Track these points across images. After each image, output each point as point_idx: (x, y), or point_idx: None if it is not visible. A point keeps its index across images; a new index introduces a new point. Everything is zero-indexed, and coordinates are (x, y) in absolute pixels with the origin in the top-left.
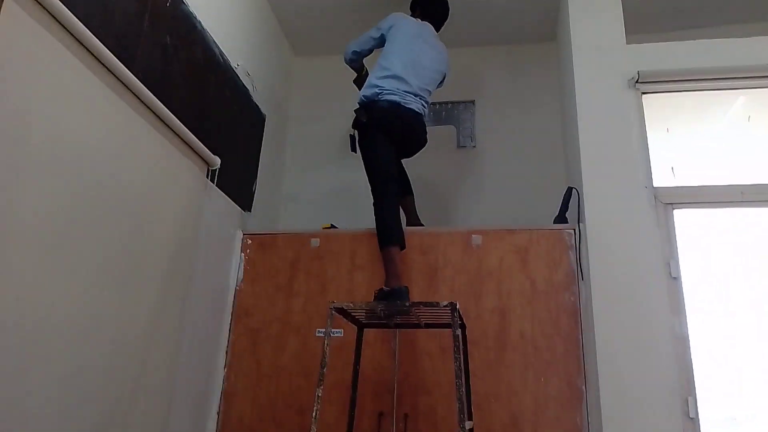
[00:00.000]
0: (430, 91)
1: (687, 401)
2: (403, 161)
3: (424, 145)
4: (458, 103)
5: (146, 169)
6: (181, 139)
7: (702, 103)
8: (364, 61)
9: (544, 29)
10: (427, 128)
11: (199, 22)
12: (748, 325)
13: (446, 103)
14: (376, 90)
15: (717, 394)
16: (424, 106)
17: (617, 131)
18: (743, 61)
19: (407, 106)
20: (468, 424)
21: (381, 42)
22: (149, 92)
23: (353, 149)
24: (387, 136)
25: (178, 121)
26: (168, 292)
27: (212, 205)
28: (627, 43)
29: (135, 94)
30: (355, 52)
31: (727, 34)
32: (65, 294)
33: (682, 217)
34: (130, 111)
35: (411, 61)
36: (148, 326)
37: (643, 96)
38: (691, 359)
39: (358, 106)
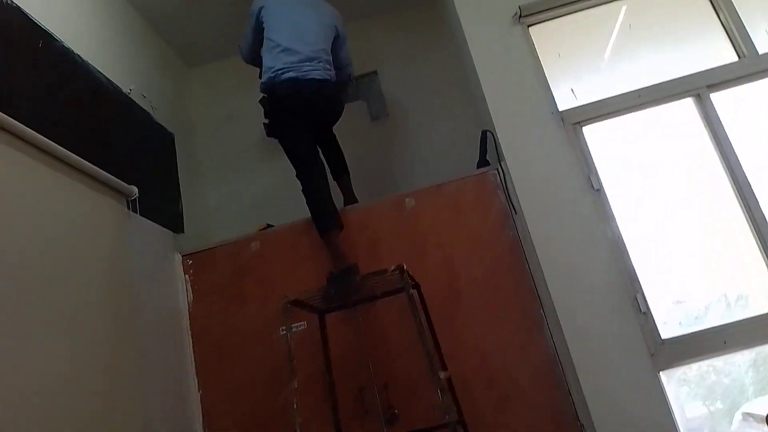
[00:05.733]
0: (326, 50)
1: (636, 298)
2: None
3: (341, 107)
4: (362, 76)
5: (59, 215)
6: (90, 176)
7: (589, 22)
8: None
9: None
10: None
11: (78, 56)
12: (672, 216)
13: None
14: (271, 74)
15: (661, 284)
16: (328, 68)
17: (514, 67)
18: None
19: (307, 77)
20: (443, 374)
21: (259, 28)
22: (41, 137)
23: (269, 135)
24: (296, 116)
25: (81, 159)
26: (120, 333)
27: (141, 235)
28: None
29: (26, 141)
30: (246, 49)
31: None
32: (18, 363)
33: (592, 132)
34: (26, 159)
35: (292, 29)
36: (107, 372)
37: (530, 28)
38: (630, 259)
39: (262, 97)
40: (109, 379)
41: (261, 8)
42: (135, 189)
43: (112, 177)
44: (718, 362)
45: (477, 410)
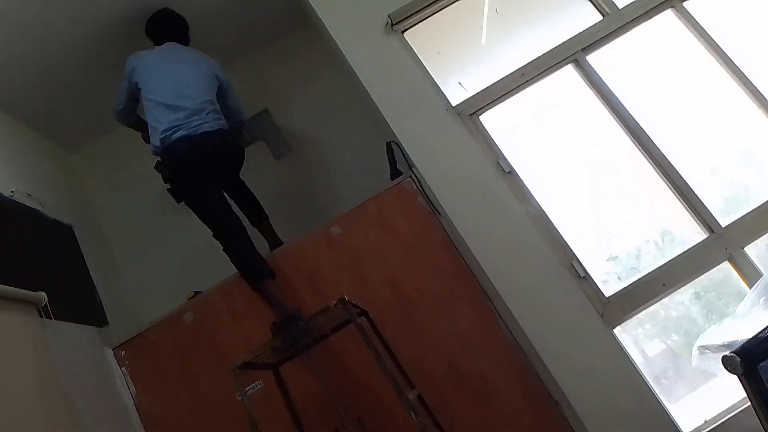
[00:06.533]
0: (211, 100)
1: (572, 265)
2: None
3: (242, 153)
4: (253, 117)
5: None
6: None
7: (458, 15)
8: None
9: (295, 17)
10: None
11: None
12: (585, 178)
13: None
14: (160, 136)
15: (591, 246)
16: (218, 117)
17: (399, 75)
18: None
19: (199, 132)
20: (411, 394)
21: (133, 88)
22: None
23: (178, 201)
24: (198, 174)
25: None
26: None
27: (62, 340)
28: None
29: None
30: (120, 111)
31: None
32: None
33: (491, 118)
34: None
35: (172, 86)
36: None
37: (405, 33)
38: (556, 230)
39: (157, 162)
40: None
41: (134, 69)
42: (43, 294)
43: (13, 288)
44: (663, 299)
45: (455, 415)
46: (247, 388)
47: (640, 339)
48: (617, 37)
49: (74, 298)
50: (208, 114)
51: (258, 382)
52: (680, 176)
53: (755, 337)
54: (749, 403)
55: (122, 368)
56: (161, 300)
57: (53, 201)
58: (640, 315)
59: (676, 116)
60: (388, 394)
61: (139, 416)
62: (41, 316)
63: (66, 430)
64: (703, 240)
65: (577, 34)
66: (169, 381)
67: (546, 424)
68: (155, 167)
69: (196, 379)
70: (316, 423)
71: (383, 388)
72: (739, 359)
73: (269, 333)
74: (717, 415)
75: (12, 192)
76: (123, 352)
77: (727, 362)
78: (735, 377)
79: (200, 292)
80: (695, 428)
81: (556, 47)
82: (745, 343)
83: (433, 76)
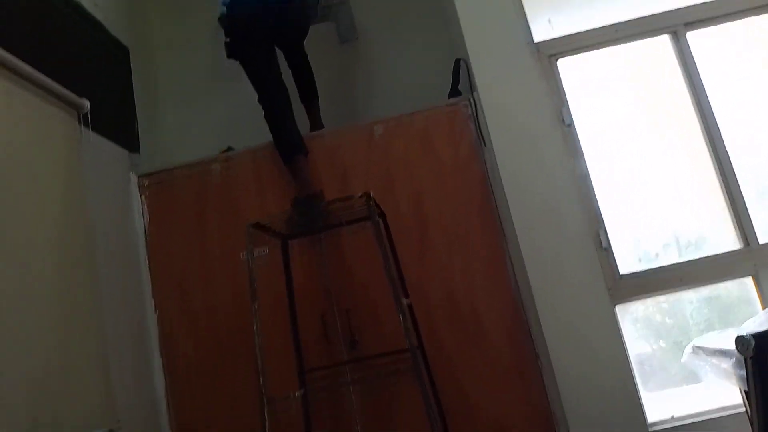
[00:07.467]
0: None
1: (598, 234)
2: None
3: (307, 24)
4: None
5: (4, 126)
6: (37, 84)
7: None
8: None
9: None
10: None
11: None
12: (640, 154)
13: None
14: None
15: (623, 221)
16: None
17: None
18: None
19: None
20: (405, 300)
21: None
22: None
23: (229, 56)
24: (258, 35)
25: (27, 66)
26: (73, 253)
27: (94, 152)
28: None
29: None
30: None
31: None
32: None
33: (566, 65)
34: None
35: None
36: (61, 294)
37: None
38: (595, 195)
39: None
40: (63, 300)
41: None
42: (87, 102)
43: (62, 88)
44: (664, 304)
45: (437, 338)
46: (254, 249)
47: (628, 336)
48: (726, 21)
49: (114, 118)
50: None
51: (264, 248)
52: (736, 180)
53: None
54: (719, 414)
55: (142, 196)
56: (194, 146)
57: (117, 19)
58: (636, 313)
59: (755, 122)
60: (381, 299)
61: (146, 245)
62: (80, 123)
63: (79, 237)
64: (735, 249)
65: (685, 7)
66: (182, 222)
67: (520, 372)
68: (219, 19)
69: (208, 228)
70: (307, 304)
71: (378, 292)
72: (753, 341)
73: (288, 206)
74: (685, 416)
75: None
76: (146, 182)
77: (739, 342)
78: (718, 387)
79: (233, 149)
80: (660, 420)
81: (659, 14)
82: (762, 330)
83: (524, 6)
